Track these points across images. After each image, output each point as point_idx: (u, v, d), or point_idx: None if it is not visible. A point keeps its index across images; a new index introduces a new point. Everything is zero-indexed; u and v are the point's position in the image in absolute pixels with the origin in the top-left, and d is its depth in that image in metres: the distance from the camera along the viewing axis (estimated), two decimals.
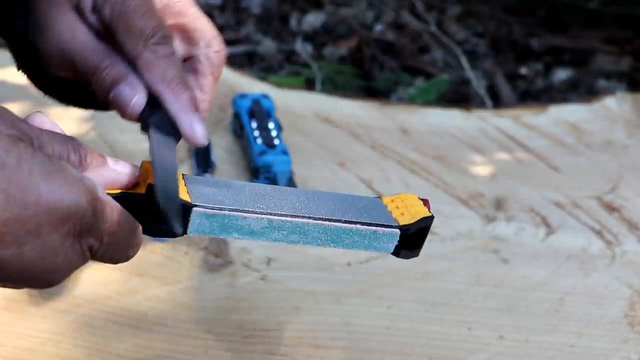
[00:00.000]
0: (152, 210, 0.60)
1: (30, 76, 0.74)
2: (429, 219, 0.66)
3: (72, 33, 0.67)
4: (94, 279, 0.96)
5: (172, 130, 0.65)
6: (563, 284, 1.04)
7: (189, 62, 0.70)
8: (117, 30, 0.66)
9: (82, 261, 0.57)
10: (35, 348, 0.88)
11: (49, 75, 0.71)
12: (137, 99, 0.65)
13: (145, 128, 0.64)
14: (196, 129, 0.65)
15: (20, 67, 0.74)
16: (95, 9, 0.67)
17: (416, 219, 0.65)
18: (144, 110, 0.65)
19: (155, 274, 0.99)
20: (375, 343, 0.93)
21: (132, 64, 0.66)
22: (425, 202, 0.68)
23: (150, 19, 0.66)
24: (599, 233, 1.13)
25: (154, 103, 0.65)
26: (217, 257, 1.02)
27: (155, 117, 0.64)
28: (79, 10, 0.67)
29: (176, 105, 0.65)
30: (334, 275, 1.02)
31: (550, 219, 1.15)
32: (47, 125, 0.59)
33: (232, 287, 0.99)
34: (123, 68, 0.66)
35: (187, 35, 0.70)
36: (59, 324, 0.91)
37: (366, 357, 0.91)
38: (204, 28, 0.70)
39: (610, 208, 1.18)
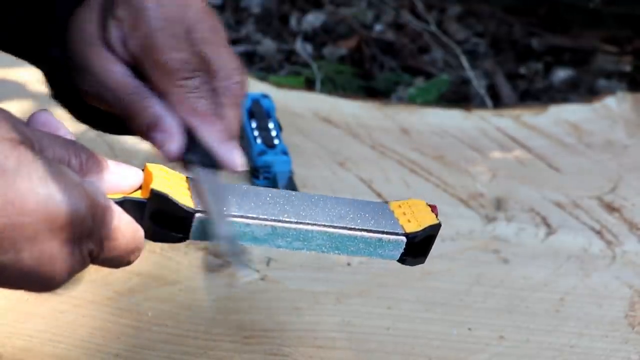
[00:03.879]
0: (153, 215, 0.59)
1: (65, 105, 0.74)
2: (436, 227, 0.64)
3: (106, 74, 0.67)
4: (94, 279, 0.96)
5: (213, 161, 0.65)
6: (563, 284, 1.04)
7: None
8: (145, 66, 0.66)
9: (82, 266, 0.56)
10: (34, 348, 0.88)
11: (85, 105, 0.71)
12: (174, 146, 0.65)
13: (186, 166, 0.64)
14: (235, 158, 0.65)
15: (54, 95, 0.73)
16: (124, 43, 0.67)
17: (423, 227, 0.64)
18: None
19: (155, 274, 0.99)
20: (376, 343, 0.93)
21: (164, 98, 0.66)
22: (433, 209, 0.66)
23: (177, 52, 0.65)
24: (599, 233, 1.13)
25: (190, 135, 0.65)
26: (217, 257, 1.02)
27: (195, 153, 0.64)
28: (109, 46, 0.67)
29: (212, 136, 0.65)
30: (334, 275, 1.02)
31: (551, 219, 1.15)
32: (52, 124, 0.59)
33: (232, 287, 0.98)
34: (157, 110, 0.66)
35: (208, 67, 0.68)
36: (58, 324, 0.91)
37: (366, 357, 0.91)
38: (225, 59, 0.68)
39: (611, 208, 1.18)
